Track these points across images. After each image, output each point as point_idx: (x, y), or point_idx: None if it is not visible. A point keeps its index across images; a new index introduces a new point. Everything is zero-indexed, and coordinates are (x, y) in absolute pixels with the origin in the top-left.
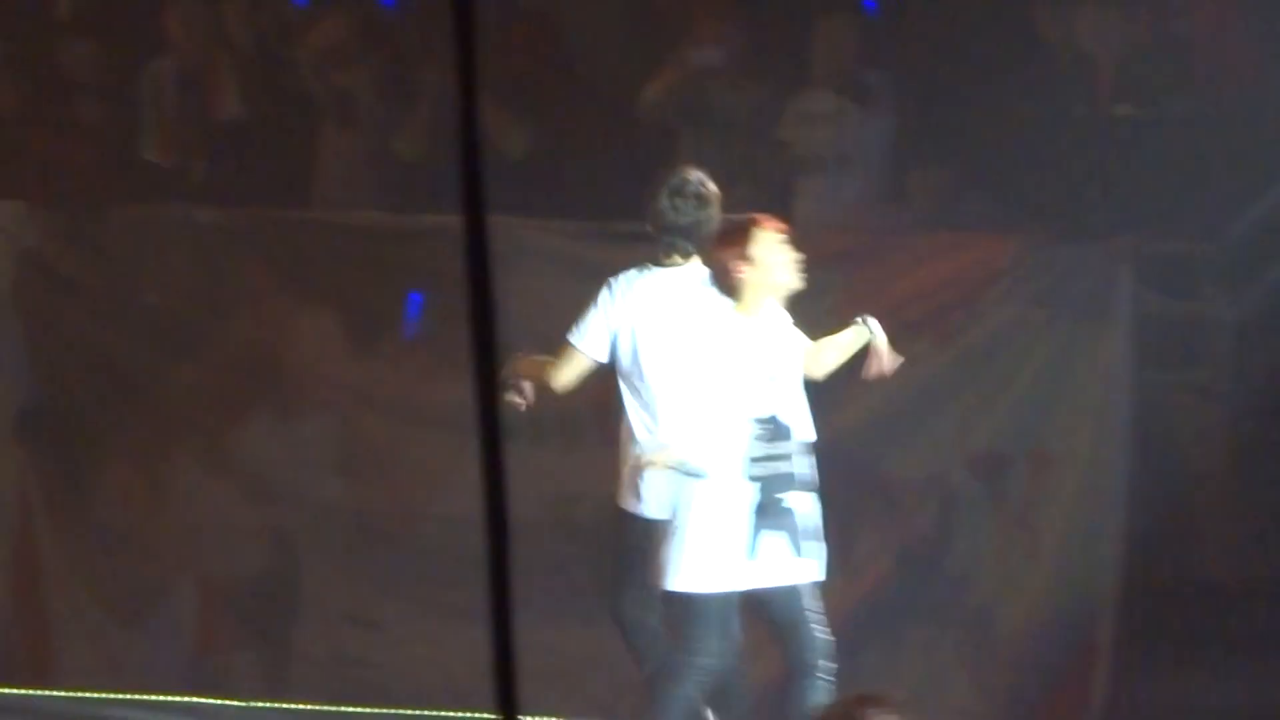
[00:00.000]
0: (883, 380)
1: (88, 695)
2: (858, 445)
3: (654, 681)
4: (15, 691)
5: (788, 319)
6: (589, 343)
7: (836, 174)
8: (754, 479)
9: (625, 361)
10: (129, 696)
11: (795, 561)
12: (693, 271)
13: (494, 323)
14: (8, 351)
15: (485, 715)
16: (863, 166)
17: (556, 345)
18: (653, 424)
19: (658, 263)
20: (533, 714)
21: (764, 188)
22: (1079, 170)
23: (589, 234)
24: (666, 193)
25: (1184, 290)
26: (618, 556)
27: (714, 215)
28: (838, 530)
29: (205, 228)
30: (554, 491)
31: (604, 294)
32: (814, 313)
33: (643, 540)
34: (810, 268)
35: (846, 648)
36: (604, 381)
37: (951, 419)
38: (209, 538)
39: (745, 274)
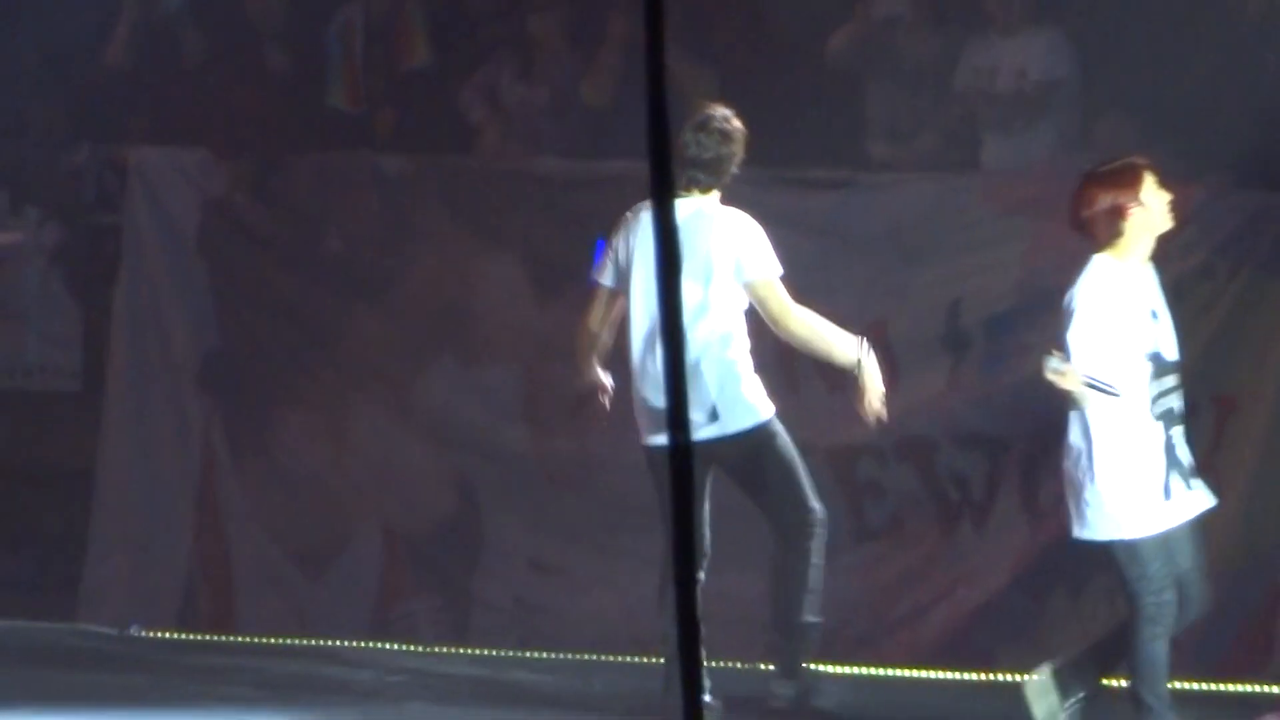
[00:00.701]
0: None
1: (271, 642)
2: (1043, 392)
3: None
4: (199, 637)
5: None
6: (606, 275)
7: (1022, 123)
8: (1156, 417)
9: (633, 290)
10: (312, 643)
11: (1191, 496)
12: (708, 204)
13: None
14: (193, 299)
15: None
16: (1048, 115)
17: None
18: (649, 352)
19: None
20: (713, 659)
21: (948, 135)
22: (1265, 119)
23: (775, 180)
24: (691, 127)
25: None
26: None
27: (736, 152)
28: (1023, 478)
29: (390, 176)
30: None
31: (619, 227)
32: (1004, 260)
33: None
34: (998, 215)
35: (1032, 592)
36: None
37: None
38: (392, 485)
39: (1133, 216)
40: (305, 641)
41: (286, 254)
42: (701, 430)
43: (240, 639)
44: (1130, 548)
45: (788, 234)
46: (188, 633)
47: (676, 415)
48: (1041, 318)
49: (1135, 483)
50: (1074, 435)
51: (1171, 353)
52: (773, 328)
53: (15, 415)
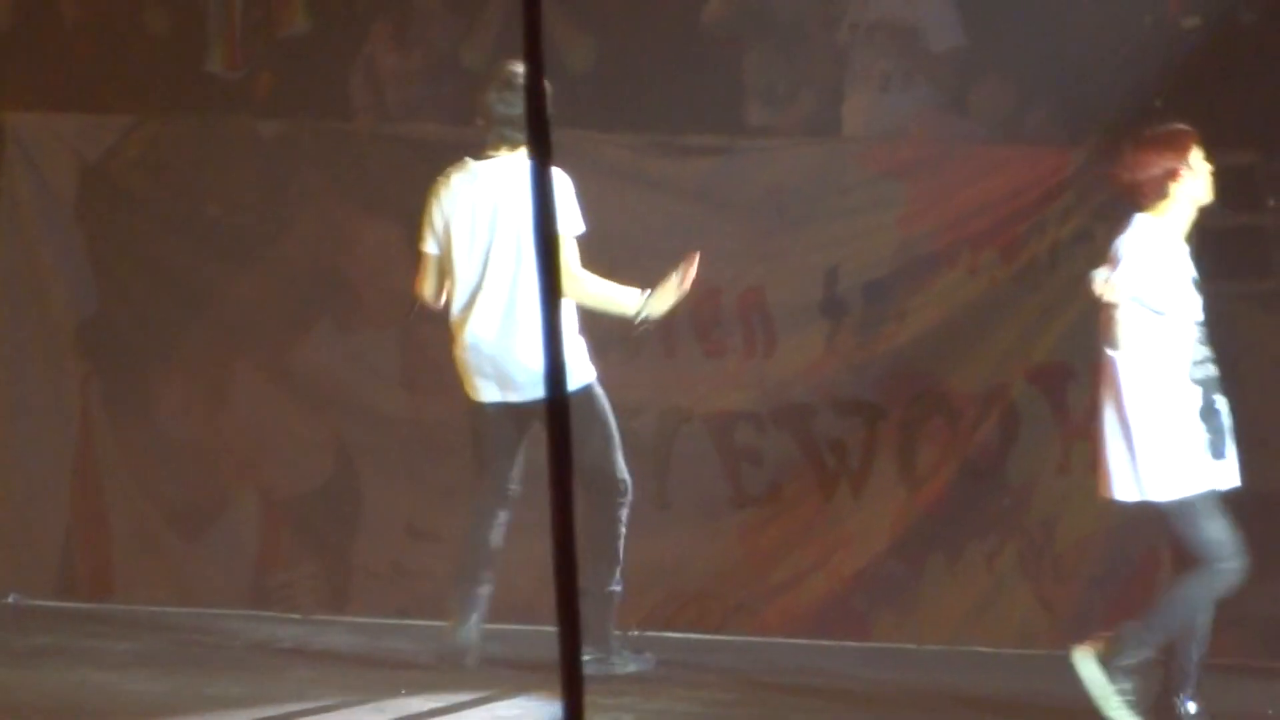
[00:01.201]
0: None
1: (149, 609)
2: (920, 358)
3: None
4: (78, 605)
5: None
6: (430, 243)
7: (899, 86)
8: (1195, 382)
9: (455, 254)
10: (190, 610)
11: (1225, 464)
12: (518, 161)
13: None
14: (71, 264)
15: (547, 628)
16: (925, 78)
17: (621, 258)
18: (487, 309)
19: (483, 155)
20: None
21: (825, 98)
22: (1143, 83)
23: (652, 146)
24: (495, 86)
25: (1246, 203)
26: None
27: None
28: (901, 444)
29: (268, 140)
30: (617, 402)
31: (436, 191)
32: (881, 224)
33: None
34: (874, 180)
35: (909, 558)
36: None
37: (1014, 331)
38: (271, 449)
39: (1182, 181)
40: (184, 609)
41: (165, 218)
42: (520, 391)
43: (119, 606)
44: (1184, 507)
45: (666, 199)
46: (67, 600)
47: (554, 375)
48: (918, 282)
49: (1182, 441)
50: (1112, 393)
51: (1201, 323)
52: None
53: None
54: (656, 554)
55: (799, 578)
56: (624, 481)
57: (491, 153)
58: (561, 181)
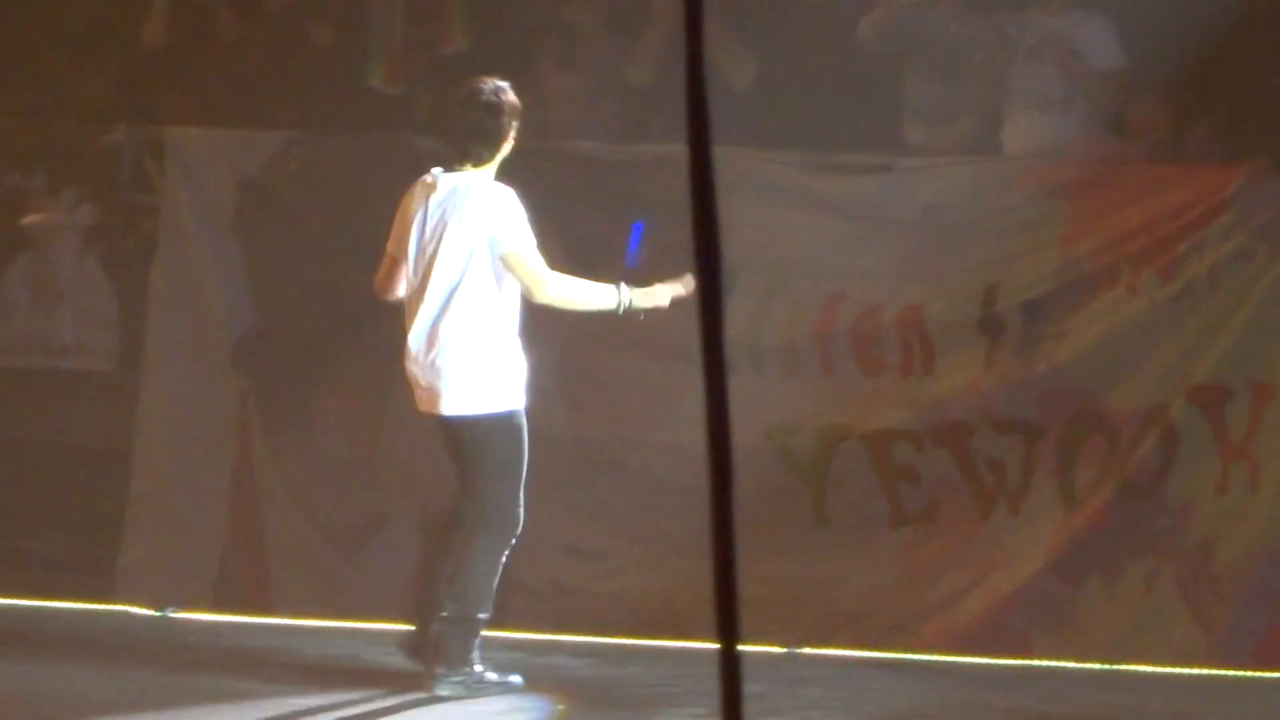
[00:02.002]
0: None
1: (305, 623)
2: (1079, 376)
3: None
4: (234, 619)
5: None
6: (395, 245)
7: (1059, 106)
8: None
9: (411, 263)
10: (346, 625)
11: None
12: (477, 178)
13: (719, 252)
14: (230, 280)
15: (705, 644)
16: (1085, 98)
17: (781, 276)
18: (426, 322)
19: (449, 169)
20: (751, 643)
21: (985, 118)
22: None
23: (812, 165)
24: (459, 101)
25: None
26: None
27: (506, 125)
28: (1059, 463)
29: (426, 156)
30: (772, 420)
31: (405, 199)
32: (1039, 243)
33: None
34: (1034, 198)
35: (1067, 578)
36: (824, 312)
37: (1173, 350)
38: (429, 466)
39: None
40: (340, 623)
41: (323, 234)
42: (447, 406)
43: (276, 621)
44: None
45: (825, 218)
46: (224, 614)
47: (715, 417)
48: (1077, 301)
49: None
50: None
51: None
52: (530, 298)
53: (51, 395)
54: (814, 571)
55: (957, 596)
56: (516, 519)
57: (457, 166)
58: (506, 200)
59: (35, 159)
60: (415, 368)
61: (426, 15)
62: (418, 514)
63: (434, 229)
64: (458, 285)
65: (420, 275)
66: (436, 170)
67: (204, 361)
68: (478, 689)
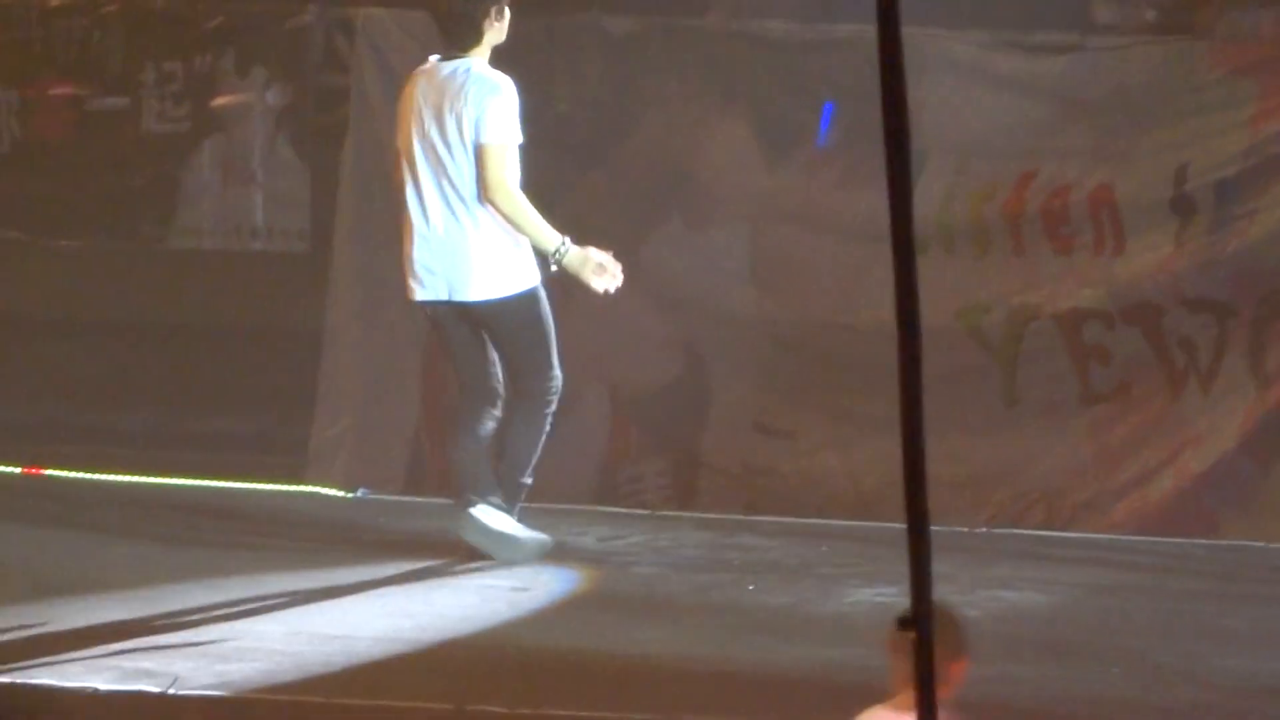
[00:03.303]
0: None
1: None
2: (1271, 256)
3: None
4: (423, 500)
5: None
6: (399, 138)
7: None
8: None
9: (405, 149)
10: (537, 505)
11: None
12: (472, 64)
13: (907, 133)
14: None
15: (894, 525)
16: None
17: (970, 156)
18: (436, 210)
19: (446, 56)
20: (940, 524)
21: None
22: None
23: (1001, 44)
24: None
25: None
26: None
27: (489, 10)
28: (1250, 342)
29: (617, 37)
30: (963, 301)
31: (405, 88)
32: (1232, 123)
33: None
34: (1225, 78)
35: (1258, 457)
36: (1015, 191)
37: None
38: (619, 348)
39: None
40: (532, 505)
41: None
42: (463, 293)
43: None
44: None
45: (1014, 97)
46: (415, 495)
47: (906, 315)
48: (1268, 181)
49: None
50: None
51: None
52: (482, 193)
53: (245, 277)
54: (1004, 451)
55: (1147, 476)
56: (555, 380)
57: (457, 53)
58: (495, 89)
59: (225, 40)
60: (425, 255)
61: None
62: (607, 395)
63: (431, 117)
64: (459, 172)
65: (421, 163)
66: (434, 58)
67: (394, 244)
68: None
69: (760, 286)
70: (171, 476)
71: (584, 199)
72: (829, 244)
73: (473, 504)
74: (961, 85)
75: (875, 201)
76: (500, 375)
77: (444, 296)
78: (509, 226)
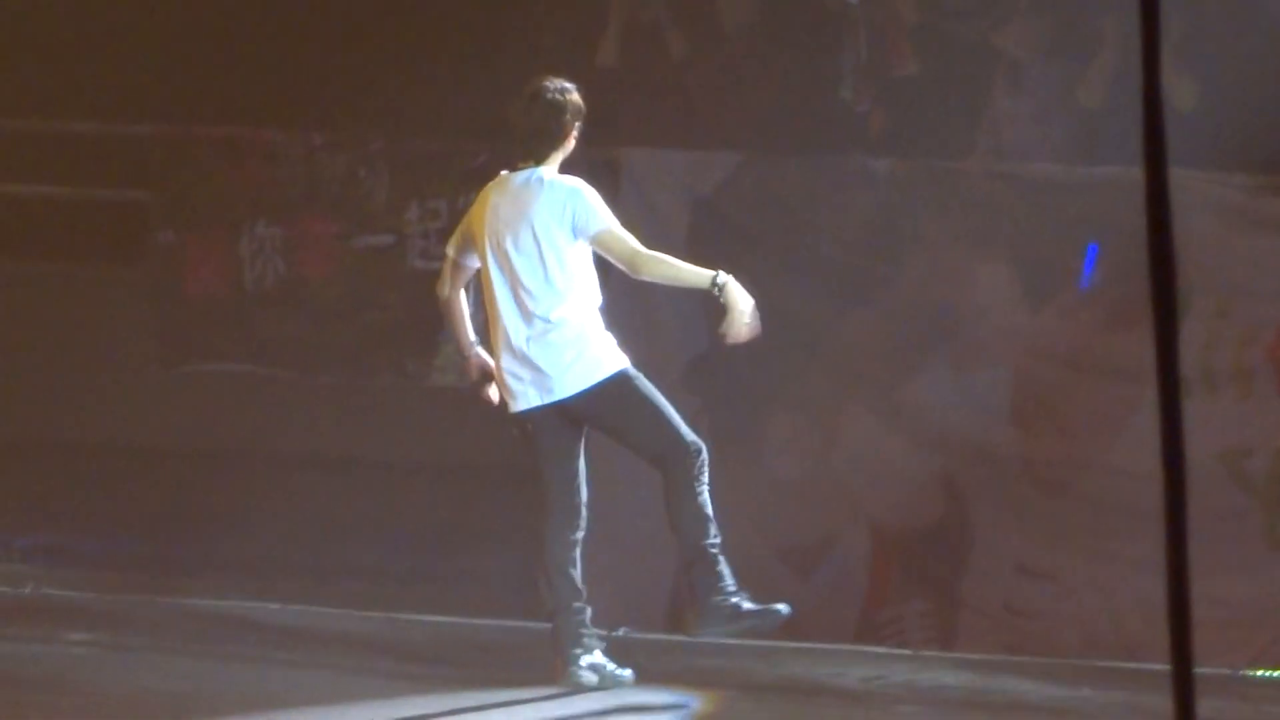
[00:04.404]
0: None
1: (757, 643)
2: None
3: None
4: (686, 639)
5: None
6: (454, 247)
7: None
8: None
9: (467, 259)
10: (798, 644)
11: None
12: (544, 173)
13: (1174, 275)
14: (682, 300)
15: (1157, 666)
16: None
17: (1233, 298)
18: (514, 317)
19: (513, 168)
20: (1202, 665)
21: None
22: None
23: (1263, 187)
24: (524, 99)
25: None
26: None
27: (568, 123)
28: None
29: (881, 177)
30: (1226, 442)
31: (477, 201)
32: None
33: None
34: None
35: None
36: (1278, 336)
37: None
38: (880, 486)
39: None
40: (791, 643)
41: (776, 255)
42: (556, 393)
43: (735, 642)
44: None
45: (1277, 240)
46: (677, 634)
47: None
48: None
49: None
50: None
51: None
52: (629, 273)
53: (485, 415)
54: (1267, 592)
55: None
56: (692, 443)
57: (521, 165)
58: (582, 187)
59: (487, 178)
60: (513, 364)
61: (882, 39)
62: (868, 535)
63: (506, 227)
64: (534, 278)
65: (497, 275)
66: (504, 172)
67: (657, 381)
68: (734, 617)
69: (1022, 426)
70: (420, 613)
71: (847, 338)
72: (1091, 384)
73: (576, 665)
74: (1225, 228)
75: (1138, 342)
76: (585, 494)
77: (538, 402)
78: (594, 322)
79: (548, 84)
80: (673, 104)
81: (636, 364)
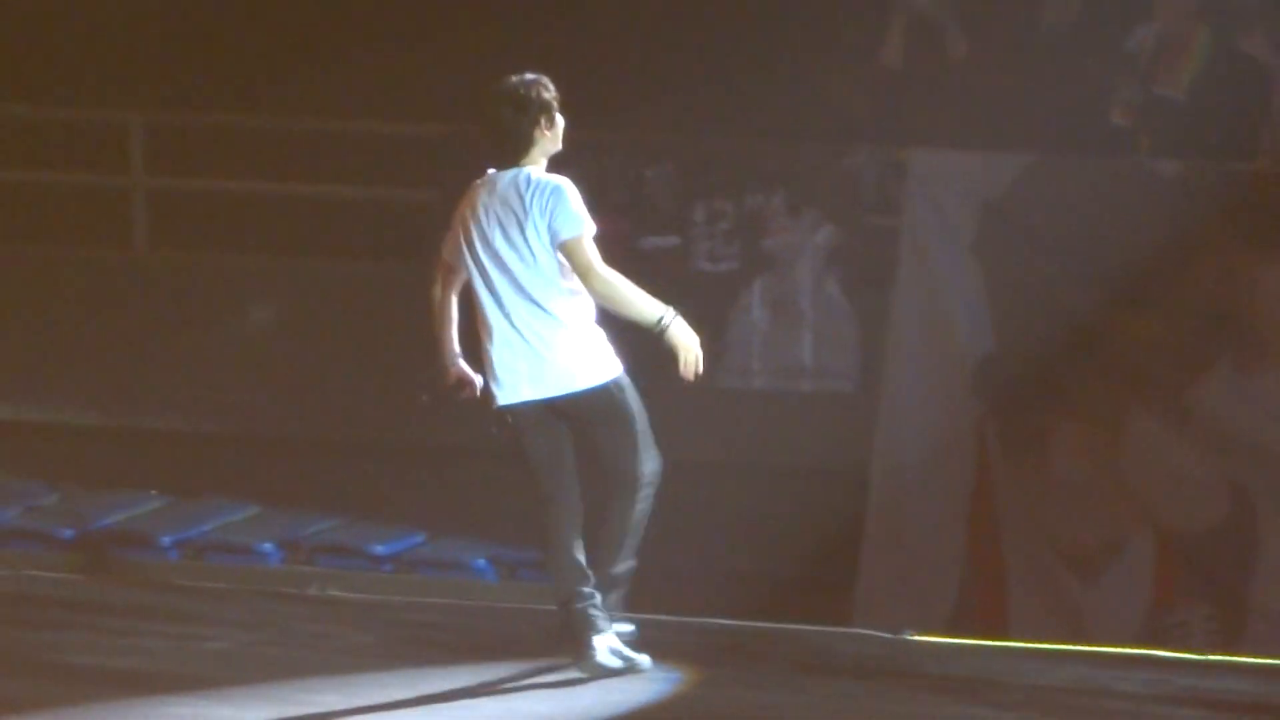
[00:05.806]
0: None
1: (1041, 646)
2: None
3: None
4: (969, 641)
5: None
6: (445, 248)
7: None
8: None
9: (460, 260)
10: (1082, 648)
11: None
12: (529, 172)
13: None
14: (969, 302)
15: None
16: None
17: None
18: (507, 312)
19: (500, 166)
20: None
21: None
22: None
23: None
24: (490, 100)
25: None
26: None
27: (538, 118)
28: None
29: (1165, 181)
30: None
31: (461, 202)
32: None
33: None
34: None
35: None
36: None
37: None
38: (1167, 491)
39: None
40: (1075, 647)
41: (1064, 259)
42: (544, 389)
43: (1012, 643)
44: None
45: None
46: (961, 638)
47: None
48: None
49: None
50: None
51: None
52: (580, 283)
53: (791, 417)
54: None
55: None
56: (641, 476)
57: (507, 164)
58: (560, 188)
59: (777, 179)
60: (506, 356)
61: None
62: (1154, 538)
63: (496, 223)
64: (531, 273)
65: (492, 267)
66: (491, 171)
67: (943, 384)
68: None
69: None
70: (696, 616)
71: (1132, 343)
72: None
73: (594, 650)
74: None
75: None
76: (578, 489)
77: (528, 396)
78: (586, 323)
79: (511, 83)
80: (957, 104)
81: (925, 365)
